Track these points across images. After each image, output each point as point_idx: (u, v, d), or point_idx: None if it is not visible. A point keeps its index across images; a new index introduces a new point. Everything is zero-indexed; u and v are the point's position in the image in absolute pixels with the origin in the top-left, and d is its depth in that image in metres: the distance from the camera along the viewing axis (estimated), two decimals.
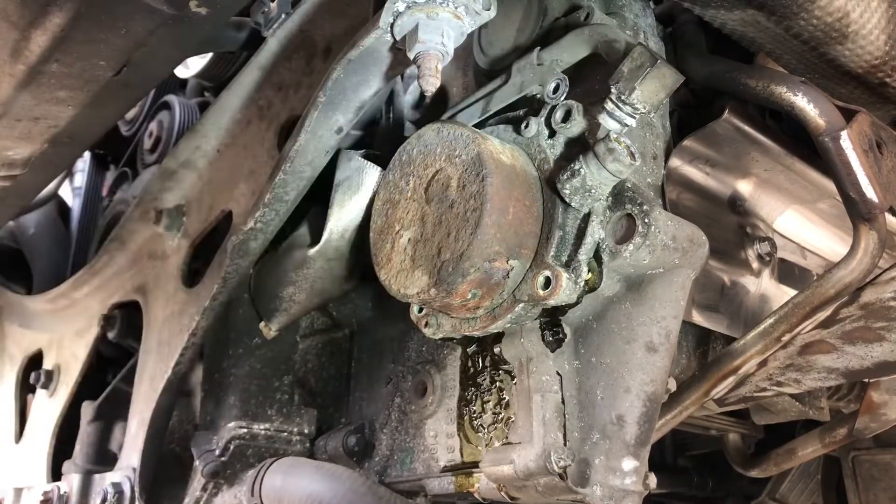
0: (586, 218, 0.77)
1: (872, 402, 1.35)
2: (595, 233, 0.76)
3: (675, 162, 0.97)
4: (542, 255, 0.78)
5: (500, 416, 0.85)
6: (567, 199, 0.76)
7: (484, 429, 0.87)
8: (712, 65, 0.91)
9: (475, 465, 0.86)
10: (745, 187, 1.09)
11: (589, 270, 0.77)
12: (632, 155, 0.72)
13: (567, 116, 0.79)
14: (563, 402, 0.79)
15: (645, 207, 0.74)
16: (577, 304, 0.78)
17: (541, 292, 0.75)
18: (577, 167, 0.74)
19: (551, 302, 0.75)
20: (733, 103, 0.94)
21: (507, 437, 0.83)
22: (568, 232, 0.78)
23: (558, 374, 0.80)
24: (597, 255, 0.77)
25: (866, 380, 1.33)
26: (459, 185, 0.77)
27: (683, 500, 1.93)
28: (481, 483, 0.85)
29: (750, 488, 1.85)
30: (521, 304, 0.78)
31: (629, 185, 0.77)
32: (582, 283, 0.76)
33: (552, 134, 0.81)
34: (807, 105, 0.81)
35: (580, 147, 0.78)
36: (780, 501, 1.77)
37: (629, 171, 0.73)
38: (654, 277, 0.78)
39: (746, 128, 0.97)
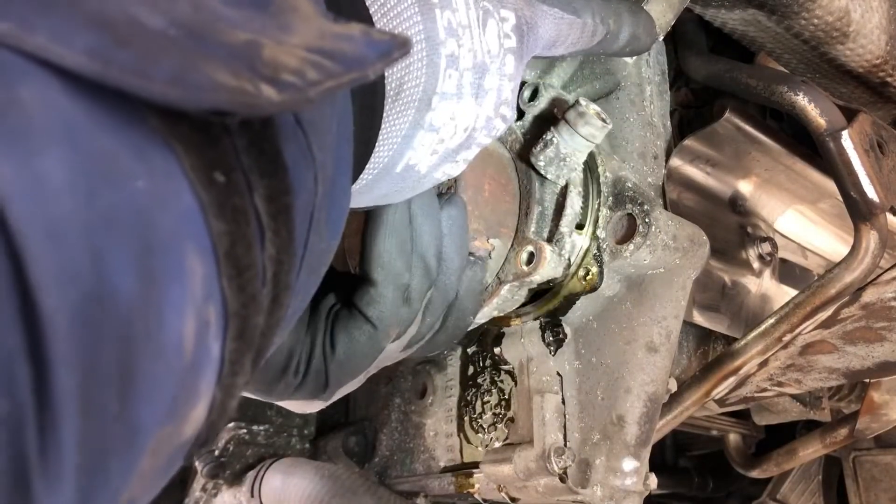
0: (564, 190, 0.76)
1: (873, 403, 1.35)
2: (574, 204, 0.75)
3: (675, 161, 0.97)
4: (523, 232, 0.76)
5: (501, 416, 0.85)
6: (542, 172, 0.75)
7: (484, 429, 0.86)
8: (713, 64, 0.91)
9: (475, 465, 0.86)
10: (745, 187, 1.09)
11: (589, 270, 0.77)
12: (602, 119, 0.71)
13: (534, 95, 0.79)
14: (563, 402, 0.78)
15: (645, 207, 0.74)
16: (576, 300, 0.78)
17: (525, 268, 0.73)
18: (549, 137, 0.73)
19: (537, 277, 0.73)
20: (734, 103, 0.94)
21: (507, 438, 0.83)
22: (547, 206, 0.77)
23: (559, 374, 0.79)
24: (597, 255, 0.76)
25: (867, 380, 1.33)
26: None
27: (684, 500, 1.93)
28: (481, 483, 0.84)
29: (751, 489, 1.85)
30: (507, 286, 0.76)
31: (630, 185, 0.76)
32: (567, 256, 0.74)
33: (521, 115, 0.80)
34: (808, 104, 0.81)
35: (550, 122, 0.76)
36: (780, 502, 1.77)
37: (602, 135, 0.72)
38: (654, 277, 0.78)
39: (747, 127, 0.97)
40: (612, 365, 0.77)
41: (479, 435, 0.87)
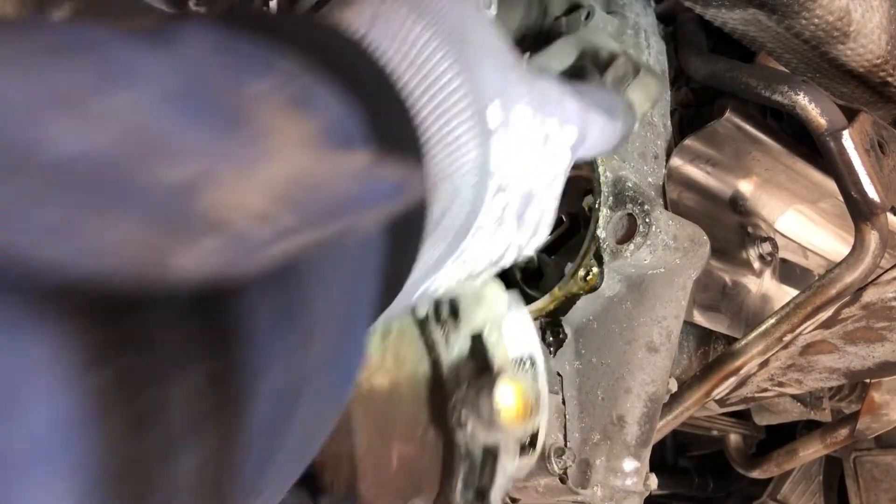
0: (493, 448, 0.56)
1: (874, 403, 1.35)
2: (506, 469, 0.56)
3: (676, 161, 0.97)
4: (447, 491, 0.57)
5: None
6: (463, 442, 0.56)
7: None
8: (713, 64, 0.91)
9: None
10: (746, 187, 1.09)
11: (590, 270, 0.77)
12: (523, 408, 0.54)
13: (454, 310, 0.55)
14: (563, 402, 0.78)
15: (646, 207, 0.74)
16: (576, 300, 0.78)
17: None
18: (460, 409, 0.54)
19: None
20: (734, 103, 0.94)
21: None
22: (475, 459, 0.57)
23: (559, 374, 0.79)
24: (597, 255, 0.76)
25: (868, 380, 1.32)
26: None
27: (684, 500, 1.93)
28: None
29: (751, 489, 1.85)
30: None
31: (630, 185, 0.76)
32: None
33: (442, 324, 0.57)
34: (808, 104, 0.80)
35: (477, 345, 0.55)
36: (781, 502, 1.77)
37: (521, 428, 0.55)
38: (655, 277, 0.78)
39: (748, 127, 0.97)
40: (612, 365, 0.77)
41: None
